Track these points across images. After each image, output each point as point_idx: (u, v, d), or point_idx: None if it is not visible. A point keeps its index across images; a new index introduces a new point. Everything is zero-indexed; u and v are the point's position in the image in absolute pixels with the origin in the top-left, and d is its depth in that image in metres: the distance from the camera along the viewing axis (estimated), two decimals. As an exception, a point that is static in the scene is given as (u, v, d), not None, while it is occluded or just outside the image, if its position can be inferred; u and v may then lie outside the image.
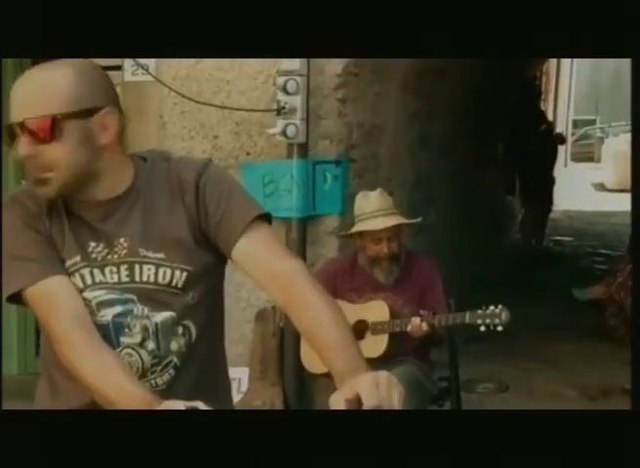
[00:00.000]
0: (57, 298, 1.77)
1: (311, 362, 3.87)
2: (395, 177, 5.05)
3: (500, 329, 3.53)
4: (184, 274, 1.84)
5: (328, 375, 3.97)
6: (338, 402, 1.58)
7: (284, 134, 3.97)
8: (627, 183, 13.04)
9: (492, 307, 3.55)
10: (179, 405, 1.57)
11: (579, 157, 23.87)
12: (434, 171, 6.43)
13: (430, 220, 5.83)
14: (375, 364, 3.76)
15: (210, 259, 1.86)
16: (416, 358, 3.82)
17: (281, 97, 4.02)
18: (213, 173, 1.86)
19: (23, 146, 1.72)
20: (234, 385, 4.26)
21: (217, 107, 4.23)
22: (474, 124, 7.86)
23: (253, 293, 4.26)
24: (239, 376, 4.25)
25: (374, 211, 3.76)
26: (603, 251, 10.87)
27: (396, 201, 3.97)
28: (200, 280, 1.86)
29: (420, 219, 4.02)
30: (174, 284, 1.83)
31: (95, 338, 1.75)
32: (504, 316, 3.52)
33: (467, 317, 3.58)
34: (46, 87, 1.73)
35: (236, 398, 4.20)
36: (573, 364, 5.87)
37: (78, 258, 1.80)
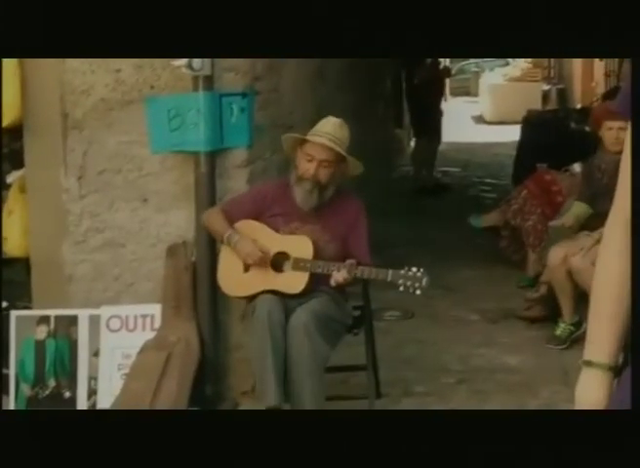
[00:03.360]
0: None
1: (228, 284, 3.89)
2: (297, 111, 5.04)
3: (418, 292, 3.63)
4: None
5: (238, 297, 4.03)
6: None
7: (189, 66, 3.90)
8: (505, 116, 13.44)
9: (414, 270, 3.64)
10: None
11: (456, 91, 24.38)
12: (332, 105, 6.44)
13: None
14: (291, 297, 3.84)
15: None
16: (331, 289, 3.85)
17: (185, 28, 3.92)
18: None
19: None
20: (147, 322, 4.24)
21: (117, 40, 4.10)
22: (365, 58, 7.87)
23: (162, 229, 4.21)
24: (152, 313, 4.21)
25: (324, 132, 3.83)
26: (488, 180, 11.19)
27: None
28: None
29: (358, 165, 3.98)
30: None
31: None
32: (425, 281, 3.62)
33: (390, 275, 3.66)
34: None
35: (150, 335, 4.20)
36: (472, 289, 6.08)
37: None
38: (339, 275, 3.69)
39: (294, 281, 3.77)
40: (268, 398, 3.61)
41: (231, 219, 3.89)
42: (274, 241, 3.84)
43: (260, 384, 3.70)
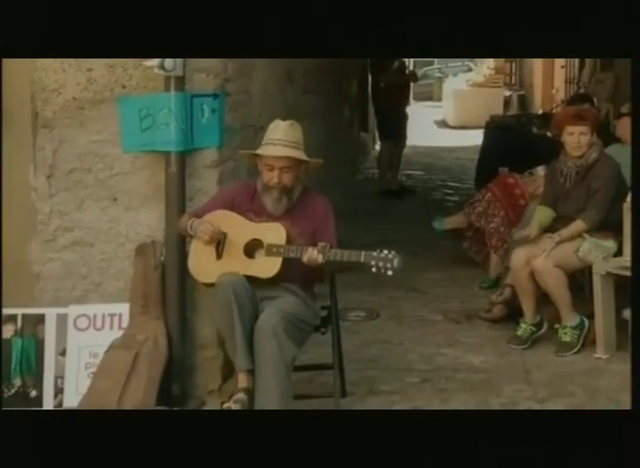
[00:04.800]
0: None
1: (201, 272, 3.93)
2: (266, 112, 5.08)
3: (390, 274, 3.66)
4: None
5: (211, 285, 4.07)
6: None
7: (161, 67, 3.93)
8: (467, 120, 13.56)
9: (385, 251, 3.68)
10: None
11: (420, 96, 24.54)
12: (299, 107, 6.50)
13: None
14: (262, 285, 3.90)
15: None
16: (300, 289, 3.93)
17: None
18: None
19: None
20: (115, 321, 4.26)
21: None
22: (332, 62, 7.95)
23: (131, 229, 4.23)
24: (120, 312, 4.23)
25: (277, 138, 3.87)
26: (451, 183, 11.32)
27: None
28: None
29: (320, 161, 4.05)
30: None
31: None
32: (396, 262, 3.66)
33: (362, 256, 3.69)
34: None
35: (118, 334, 4.21)
36: (436, 290, 6.16)
37: None
38: (312, 252, 3.71)
39: (267, 266, 3.81)
40: (239, 363, 3.72)
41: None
42: (247, 228, 3.89)
43: (230, 351, 3.79)
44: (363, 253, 3.69)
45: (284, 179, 3.88)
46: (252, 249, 3.86)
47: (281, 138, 3.87)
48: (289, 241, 3.82)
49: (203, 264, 3.93)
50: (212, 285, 3.88)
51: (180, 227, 3.98)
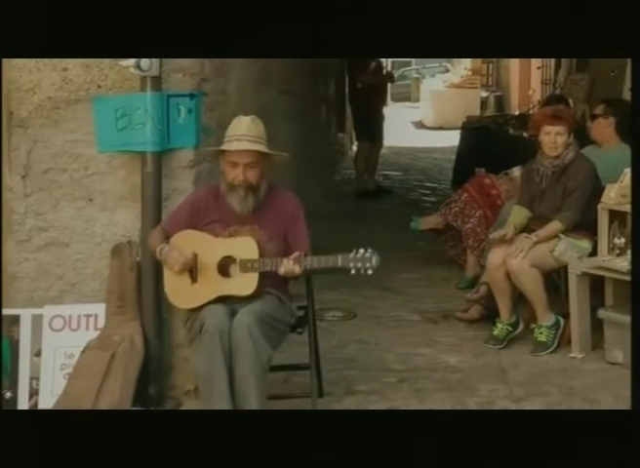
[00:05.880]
0: None
1: (178, 298, 3.88)
2: (242, 113, 5.07)
3: (369, 273, 3.61)
4: None
5: (191, 310, 4.01)
6: None
7: (137, 66, 3.91)
8: (444, 121, 13.63)
9: (362, 251, 3.62)
10: None
11: (397, 97, 24.62)
12: (276, 108, 6.50)
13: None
14: (241, 300, 3.83)
15: None
16: (275, 288, 3.90)
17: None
18: None
19: None
20: (91, 322, 4.23)
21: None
22: (309, 62, 7.96)
23: (107, 229, 4.21)
24: (96, 312, 4.21)
25: (240, 134, 3.81)
26: (428, 184, 11.35)
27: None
28: None
29: (284, 154, 4.02)
30: None
31: None
32: (374, 260, 3.61)
33: (340, 261, 3.64)
34: None
35: (93, 334, 4.19)
36: (413, 290, 6.18)
37: None
38: (288, 264, 3.66)
39: (244, 283, 3.74)
40: (218, 405, 3.64)
41: (171, 235, 3.88)
42: (217, 246, 3.81)
43: (208, 394, 3.70)
44: (340, 257, 3.64)
45: (249, 176, 3.80)
46: (225, 266, 3.76)
47: (244, 133, 3.80)
48: (261, 251, 3.75)
49: (179, 290, 3.84)
50: (192, 310, 3.84)
51: (150, 245, 3.91)
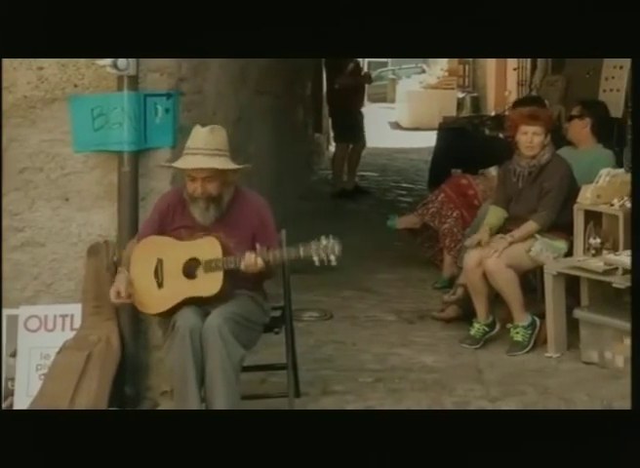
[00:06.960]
0: None
1: (146, 304, 3.85)
2: (219, 112, 5.08)
3: (333, 263, 3.57)
4: None
5: (160, 315, 4.00)
6: None
7: (114, 66, 3.89)
8: (420, 122, 13.64)
9: (323, 240, 3.58)
10: None
11: (373, 98, 24.63)
12: (253, 107, 6.49)
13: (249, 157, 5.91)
14: (210, 302, 3.83)
15: None
16: (251, 291, 3.89)
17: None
18: None
19: None
20: (67, 322, 4.21)
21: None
22: (286, 63, 7.95)
23: (84, 229, 4.19)
24: (72, 313, 4.19)
25: (196, 148, 3.73)
26: (405, 185, 11.38)
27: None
28: None
29: (243, 166, 3.92)
30: None
31: None
32: (337, 249, 3.57)
33: (301, 251, 3.61)
34: None
35: (69, 335, 4.17)
36: (389, 290, 6.19)
37: None
38: (250, 258, 3.63)
39: (209, 283, 3.71)
40: (189, 405, 3.65)
41: None
42: (182, 249, 3.77)
43: (180, 394, 3.70)
44: (301, 248, 3.60)
45: (209, 189, 3.73)
46: (191, 269, 3.73)
47: (200, 147, 3.71)
48: (225, 252, 3.71)
49: (146, 296, 3.81)
50: (160, 315, 3.83)
51: (128, 257, 3.89)
